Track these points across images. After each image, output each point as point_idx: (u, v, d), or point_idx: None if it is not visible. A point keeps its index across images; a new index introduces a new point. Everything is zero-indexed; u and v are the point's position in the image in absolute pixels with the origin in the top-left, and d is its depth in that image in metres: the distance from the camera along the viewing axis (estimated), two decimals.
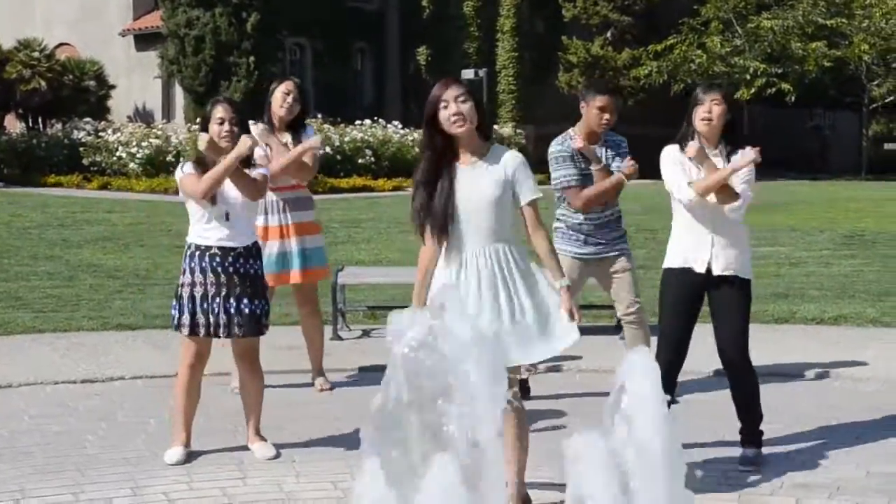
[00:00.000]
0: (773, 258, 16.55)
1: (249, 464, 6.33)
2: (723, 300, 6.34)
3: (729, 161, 6.20)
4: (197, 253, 6.39)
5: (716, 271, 6.25)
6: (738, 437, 6.55)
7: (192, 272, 6.38)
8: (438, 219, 5.26)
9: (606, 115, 7.68)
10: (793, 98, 42.84)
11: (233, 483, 5.98)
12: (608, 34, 45.57)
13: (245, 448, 6.63)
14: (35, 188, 32.17)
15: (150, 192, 31.38)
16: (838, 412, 7.58)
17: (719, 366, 8.83)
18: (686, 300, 6.40)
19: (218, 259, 6.35)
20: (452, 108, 5.15)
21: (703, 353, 9.23)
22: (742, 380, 6.44)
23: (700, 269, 6.27)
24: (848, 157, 52.25)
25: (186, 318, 6.36)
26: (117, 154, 35.05)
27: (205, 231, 6.40)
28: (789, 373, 8.70)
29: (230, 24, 37.35)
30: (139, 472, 6.15)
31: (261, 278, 6.54)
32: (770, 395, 8.05)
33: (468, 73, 38.32)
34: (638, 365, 3.67)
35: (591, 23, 45.47)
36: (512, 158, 5.29)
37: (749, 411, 6.47)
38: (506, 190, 5.23)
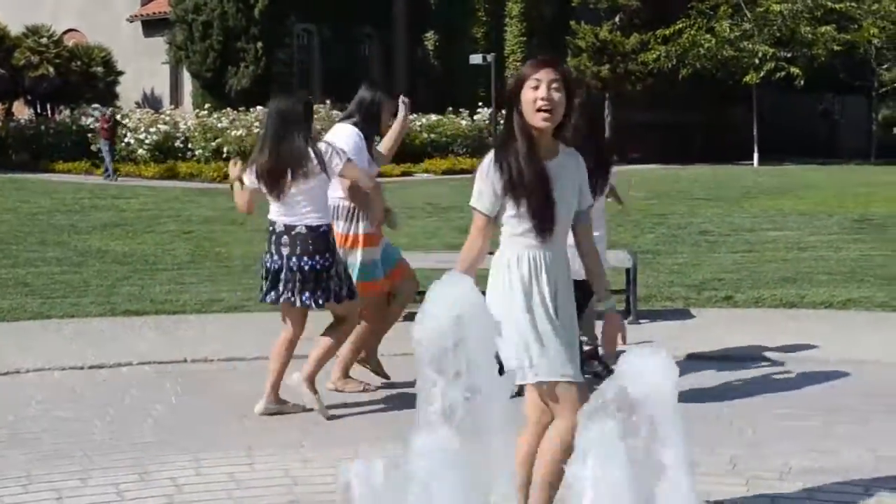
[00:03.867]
0: (781, 242, 16.53)
1: (257, 449, 6.32)
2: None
3: None
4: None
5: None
6: (748, 423, 6.55)
7: None
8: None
9: None
10: (802, 82, 42.72)
11: (240, 468, 5.97)
12: (616, 18, 45.53)
13: (253, 433, 6.64)
14: (44, 174, 32.24)
15: (159, 178, 31.44)
16: (847, 397, 7.55)
17: (729, 349, 8.84)
18: None
19: None
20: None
21: (713, 338, 9.23)
22: None
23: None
24: (857, 142, 52.16)
25: None
26: (125, 140, 35.09)
27: None
28: (798, 357, 8.68)
29: (238, 9, 37.34)
30: (147, 457, 6.14)
31: None
32: (779, 379, 8.05)
33: (476, 59, 38.25)
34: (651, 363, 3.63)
35: (599, 7, 45.43)
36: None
37: None
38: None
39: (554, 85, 4.45)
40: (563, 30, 44.84)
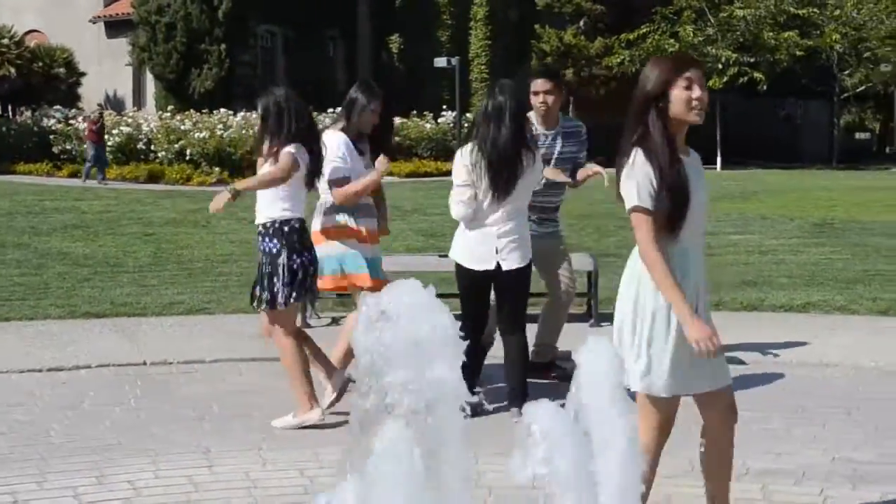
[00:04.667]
0: (742, 246, 16.61)
1: (216, 452, 6.30)
2: (509, 285, 6.97)
3: None
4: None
5: (504, 268, 6.86)
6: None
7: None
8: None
9: (540, 99, 7.83)
10: (764, 87, 43.03)
11: (199, 471, 5.95)
12: (581, 23, 45.67)
13: (212, 436, 6.61)
14: (4, 176, 31.97)
15: (121, 180, 31.21)
16: (805, 399, 7.60)
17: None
18: (483, 290, 7.09)
19: None
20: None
21: None
22: (518, 346, 7.10)
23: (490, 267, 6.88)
24: (819, 146, 52.50)
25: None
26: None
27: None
28: (757, 360, 8.73)
29: (201, 11, 37.19)
30: (104, 460, 6.11)
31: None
32: (738, 381, 8.08)
33: (441, 62, 38.27)
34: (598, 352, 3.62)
35: (563, 11, 45.56)
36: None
37: (521, 372, 7.13)
38: None
39: (704, 83, 4.49)
40: (528, 33, 44.95)
